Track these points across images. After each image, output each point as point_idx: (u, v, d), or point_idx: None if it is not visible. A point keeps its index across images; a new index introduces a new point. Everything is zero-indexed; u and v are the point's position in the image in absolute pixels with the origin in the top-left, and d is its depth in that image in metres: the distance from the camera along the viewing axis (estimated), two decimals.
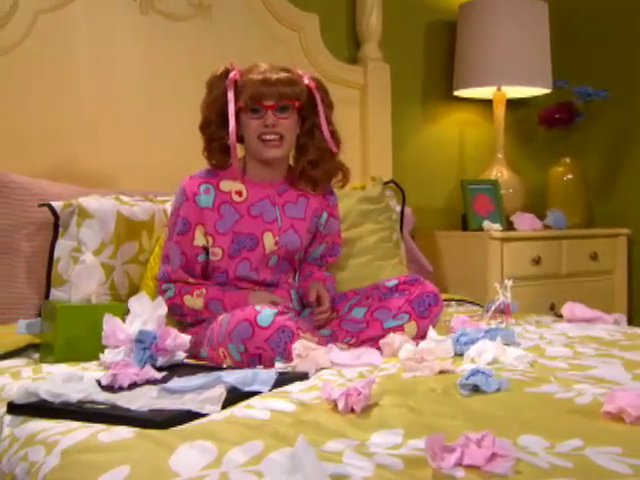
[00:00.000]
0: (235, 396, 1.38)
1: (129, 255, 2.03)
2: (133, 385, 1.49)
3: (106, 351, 1.64)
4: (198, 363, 1.70)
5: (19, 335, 1.82)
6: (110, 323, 1.66)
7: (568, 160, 3.17)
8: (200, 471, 1.01)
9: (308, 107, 1.95)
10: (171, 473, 1.02)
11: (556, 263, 2.93)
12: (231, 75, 1.88)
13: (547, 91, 3.10)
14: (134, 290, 2.02)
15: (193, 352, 1.84)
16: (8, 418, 1.36)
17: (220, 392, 1.35)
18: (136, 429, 1.20)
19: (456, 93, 3.09)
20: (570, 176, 3.16)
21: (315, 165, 1.97)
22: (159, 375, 1.53)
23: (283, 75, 1.87)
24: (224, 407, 1.32)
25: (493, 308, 2.08)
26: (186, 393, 1.39)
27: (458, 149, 3.24)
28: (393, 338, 1.76)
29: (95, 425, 1.24)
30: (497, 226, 2.84)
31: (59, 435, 1.21)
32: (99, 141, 2.38)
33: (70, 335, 1.72)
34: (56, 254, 1.97)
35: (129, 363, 1.57)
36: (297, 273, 2.04)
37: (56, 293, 1.97)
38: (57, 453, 1.15)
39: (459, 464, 0.98)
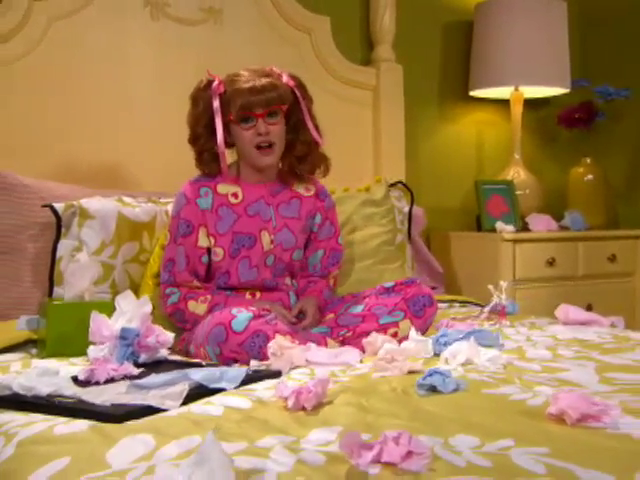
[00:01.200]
0: (200, 393, 1.42)
1: (130, 255, 2.09)
2: (110, 380, 1.55)
3: (91, 347, 1.70)
4: (179, 360, 1.75)
5: (19, 331, 1.90)
6: (96, 320, 1.72)
7: (589, 160, 3.12)
8: (131, 463, 1.05)
9: (290, 105, 1.98)
10: (105, 465, 1.06)
11: (572, 265, 2.89)
12: (214, 86, 1.93)
13: (566, 91, 3.06)
14: (135, 289, 2.07)
15: (185, 349, 1.90)
16: None
17: (182, 389, 1.39)
18: (93, 422, 1.25)
19: (472, 93, 3.07)
20: (590, 177, 3.12)
21: (302, 160, 2.02)
22: (136, 371, 1.58)
23: (267, 81, 1.92)
24: (187, 403, 1.36)
25: (487, 310, 2.08)
26: (152, 389, 1.44)
27: (475, 149, 3.22)
28: (376, 337, 1.77)
29: (57, 418, 1.29)
30: (510, 227, 2.81)
31: (19, 427, 1.26)
32: (110, 143, 2.46)
33: (61, 331, 1.78)
34: (58, 253, 2.04)
35: (108, 359, 1.63)
36: (296, 277, 2.08)
37: (58, 291, 2.04)
38: (14, 444, 1.21)
39: (377, 461, 1.00)
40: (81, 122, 2.42)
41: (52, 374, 1.49)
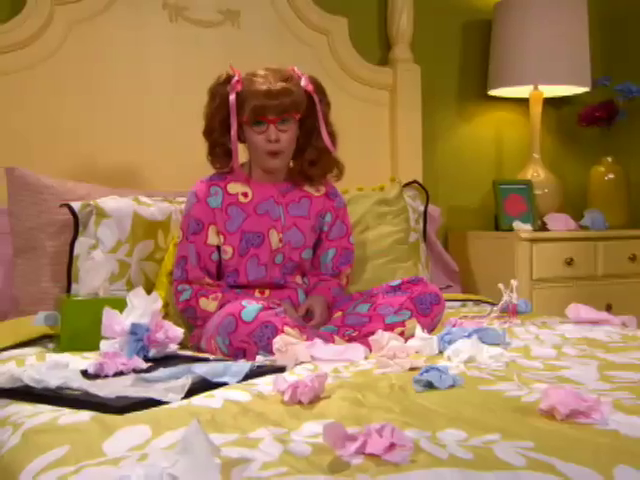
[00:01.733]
0: (203, 386, 1.46)
1: (145, 253, 2.14)
2: (119, 374, 1.59)
3: (102, 342, 1.74)
4: (188, 355, 1.78)
5: (37, 326, 1.95)
6: (108, 316, 1.76)
7: (609, 159, 3.11)
8: (125, 452, 1.09)
9: (307, 107, 2.01)
10: (100, 453, 1.09)
11: (591, 265, 2.88)
12: (233, 82, 1.96)
13: (586, 89, 3.05)
14: (150, 286, 2.13)
15: (196, 345, 1.94)
16: None
17: (184, 382, 1.43)
18: (96, 413, 1.29)
19: (491, 92, 3.07)
20: (611, 176, 3.10)
21: (313, 164, 2.05)
22: (145, 365, 1.63)
23: (282, 86, 1.93)
24: (189, 396, 1.40)
25: (497, 308, 2.08)
26: (157, 382, 1.48)
27: (495, 149, 3.22)
28: (382, 335, 1.79)
29: (63, 409, 1.33)
30: (528, 226, 2.81)
31: (26, 417, 1.31)
32: (129, 144, 2.51)
33: (75, 326, 1.83)
34: (76, 251, 2.09)
35: (118, 353, 1.67)
36: (307, 276, 2.10)
37: (75, 288, 2.09)
38: (19, 434, 1.25)
39: (361, 452, 1.03)
40: (100, 123, 2.48)
41: (62, 367, 1.54)
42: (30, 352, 1.84)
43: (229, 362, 1.57)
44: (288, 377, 1.43)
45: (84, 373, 1.56)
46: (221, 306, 1.93)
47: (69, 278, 2.10)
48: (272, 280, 2.02)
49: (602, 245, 2.90)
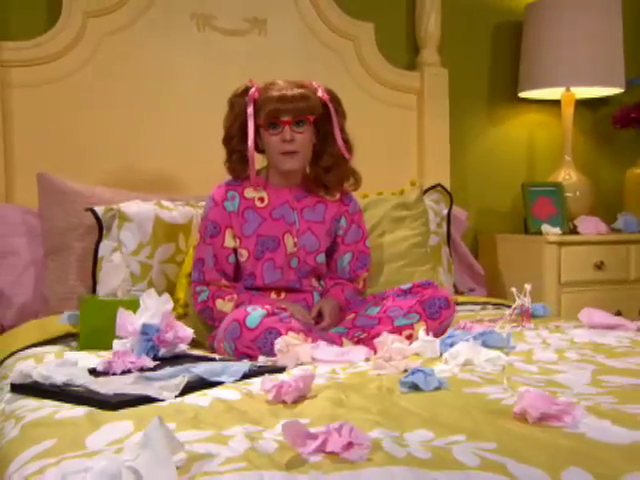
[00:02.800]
0: (200, 385, 1.51)
1: (166, 255, 2.21)
2: (127, 372, 1.66)
3: (115, 341, 1.81)
4: (196, 354, 1.84)
5: (61, 325, 2.04)
6: (122, 316, 1.83)
7: None
8: (104, 445, 1.15)
9: (323, 117, 2.06)
10: (82, 446, 1.15)
11: (622, 268, 2.84)
12: (251, 92, 2.02)
13: (620, 90, 3.00)
14: (171, 287, 2.20)
15: (211, 345, 2.00)
16: (8, 396, 1.55)
17: (180, 381, 1.48)
18: (91, 409, 1.36)
19: (521, 94, 3.06)
20: None
21: (328, 171, 2.09)
22: (152, 364, 1.69)
23: (298, 91, 2.00)
24: (185, 394, 1.45)
25: (509, 312, 2.08)
26: (157, 381, 1.54)
27: (527, 151, 3.20)
28: (386, 337, 1.82)
29: (65, 405, 1.40)
30: (556, 230, 2.79)
31: (28, 411, 1.38)
32: (159, 151, 2.59)
33: (93, 326, 1.91)
34: (100, 253, 2.18)
35: (128, 352, 1.74)
36: (324, 279, 2.14)
37: (99, 288, 2.18)
38: (19, 426, 1.32)
39: (321, 451, 1.06)
40: (131, 131, 2.57)
41: (70, 365, 1.61)
42: (52, 350, 1.92)
43: (229, 362, 1.62)
44: (285, 377, 1.47)
45: (92, 371, 1.64)
46: (236, 307, 1.99)
47: (94, 279, 2.19)
48: (287, 283, 2.06)
49: (635, 248, 2.85)
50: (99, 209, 2.18)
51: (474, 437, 1.13)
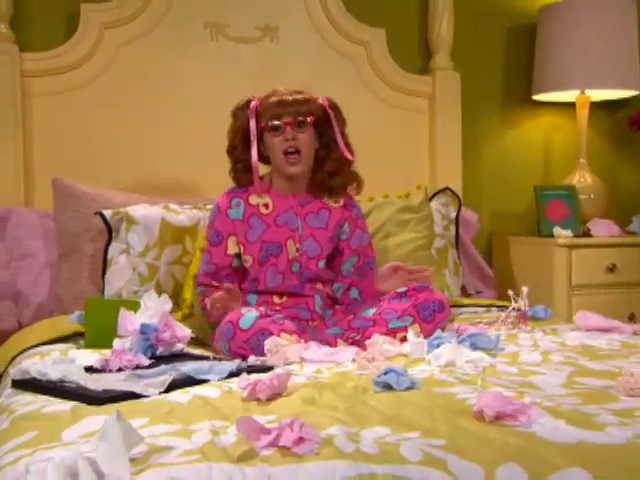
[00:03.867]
0: (187, 382, 1.57)
1: (173, 257, 2.28)
2: (123, 369, 1.74)
3: (115, 340, 1.89)
4: (191, 353, 1.89)
5: (70, 324, 2.13)
6: (123, 316, 1.91)
7: None
8: (77, 438, 1.21)
9: (324, 124, 2.11)
10: (58, 439, 1.22)
11: (636, 271, 2.83)
12: (252, 104, 2.08)
13: (636, 92, 2.99)
14: (179, 288, 2.28)
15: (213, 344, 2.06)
16: (9, 391, 1.64)
17: (164, 378, 1.55)
18: (78, 404, 1.43)
19: (536, 97, 3.06)
20: None
21: (332, 175, 2.13)
22: (147, 362, 1.76)
23: (298, 95, 2.06)
24: (171, 391, 1.51)
25: (504, 315, 2.10)
26: (146, 378, 1.60)
27: (543, 154, 3.20)
28: (377, 338, 1.87)
29: (56, 399, 1.47)
30: (568, 232, 2.79)
31: (20, 405, 1.46)
32: (173, 156, 2.67)
33: (98, 325, 1.98)
34: (109, 255, 2.27)
35: (125, 351, 1.81)
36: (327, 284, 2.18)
37: None
38: (10, 419, 1.40)
39: (275, 445, 1.11)
40: (145, 138, 2.65)
41: (67, 362, 1.70)
42: (59, 348, 2.00)
43: (220, 361, 1.69)
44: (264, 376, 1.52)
45: (90, 368, 1.71)
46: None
47: (104, 280, 2.27)
48: (288, 288, 2.11)
49: None
50: (107, 213, 2.26)
51: (428, 434, 1.17)
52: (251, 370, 1.67)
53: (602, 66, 2.93)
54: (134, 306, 1.94)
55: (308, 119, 2.06)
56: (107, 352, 1.92)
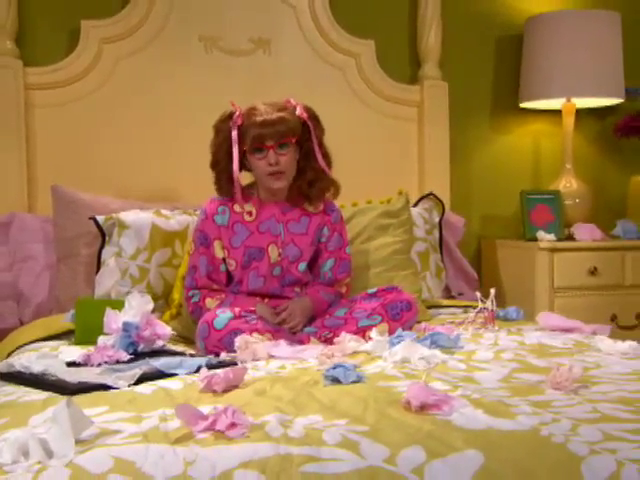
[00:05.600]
0: (157, 376, 1.70)
1: (163, 260, 2.41)
2: (104, 364, 1.87)
3: (100, 337, 2.02)
4: (170, 349, 2.00)
5: (64, 323, 2.27)
6: (108, 315, 2.04)
7: None
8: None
9: (303, 133, 2.21)
10: (25, 423, 1.35)
11: (618, 274, 2.90)
12: (234, 117, 2.17)
13: (620, 100, 3.06)
14: (169, 289, 2.40)
15: None
16: None
17: (135, 372, 1.68)
18: (52, 394, 1.56)
19: (523, 105, 3.14)
20: None
21: (311, 184, 2.24)
22: (126, 358, 1.89)
23: (278, 116, 2.13)
24: (140, 383, 1.64)
25: (472, 315, 2.20)
26: (120, 372, 1.73)
27: (531, 160, 3.29)
28: (344, 337, 1.98)
29: (35, 390, 1.61)
30: (551, 236, 2.88)
31: (3, 396, 1.59)
32: (170, 165, 2.80)
33: (86, 324, 2.12)
34: (103, 258, 2.40)
35: (107, 347, 1.95)
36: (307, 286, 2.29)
37: None
38: None
39: (212, 429, 1.23)
40: (144, 148, 2.79)
41: (50, 357, 1.84)
42: (51, 344, 2.14)
43: (193, 357, 1.82)
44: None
45: (70, 363, 1.84)
46: (219, 305, 2.16)
47: None
48: (269, 290, 2.23)
49: (630, 255, 2.91)
50: (100, 218, 2.40)
51: (355, 421, 1.28)
52: (218, 365, 1.80)
53: (587, 75, 3.01)
54: (119, 306, 2.07)
55: (290, 141, 2.15)
56: (93, 348, 2.07)
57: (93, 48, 2.73)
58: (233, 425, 1.23)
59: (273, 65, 2.91)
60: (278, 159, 2.14)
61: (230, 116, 2.20)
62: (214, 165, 2.23)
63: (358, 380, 1.56)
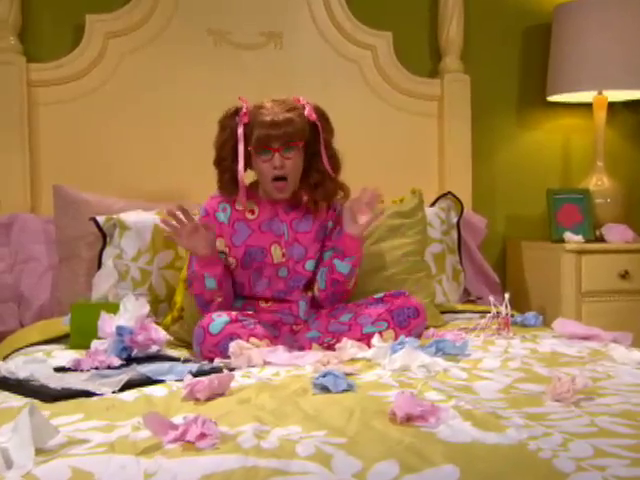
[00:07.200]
0: (144, 382, 1.61)
1: (165, 262, 2.33)
2: (95, 369, 1.79)
3: (94, 341, 1.95)
4: (165, 355, 1.92)
5: (63, 326, 2.20)
6: (103, 318, 1.97)
7: None
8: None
9: (311, 133, 2.10)
10: None
11: None
12: (241, 114, 2.08)
13: None
14: (171, 292, 2.32)
15: None
16: None
17: (120, 378, 1.60)
18: (32, 400, 1.48)
19: (550, 99, 3.00)
20: None
21: (316, 187, 2.13)
22: (118, 363, 1.81)
23: (285, 117, 2.03)
24: (127, 389, 1.56)
25: (484, 321, 2.08)
26: (108, 377, 1.66)
27: (560, 156, 3.14)
28: (346, 343, 1.88)
29: (17, 396, 1.53)
30: (579, 237, 2.73)
31: None
32: (177, 163, 2.71)
33: (81, 327, 2.05)
34: (104, 259, 2.34)
35: (100, 351, 1.87)
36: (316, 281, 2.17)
37: None
38: None
39: (181, 440, 1.15)
40: (150, 145, 2.70)
41: (37, 362, 1.77)
42: (47, 348, 2.06)
43: (176, 363, 1.73)
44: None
45: (59, 368, 1.77)
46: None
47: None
48: (273, 293, 2.13)
49: None
50: (100, 218, 2.33)
51: (335, 433, 1.19)
52: (210, 372, 1.71)
53: (620, 66, 2.84)
54: (115, 309, 2.00)
55: (297, 145, 2.05)
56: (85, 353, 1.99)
57: (98, 43, 2.66)
58: (203, 436, 1.14)
59: (285, 59, 2.81)
60: (283, 162, 2.04)
61: (236, 112, 2.11)
62: (218, 162, 2.14)
63: (348, 389, 1.46)
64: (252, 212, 2.15)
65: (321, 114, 2.13)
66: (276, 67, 2.79)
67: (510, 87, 3.09)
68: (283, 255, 2.12)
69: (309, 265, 2.15)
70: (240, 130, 2.07)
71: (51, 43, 2.68)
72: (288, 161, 2.05)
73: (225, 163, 2.12)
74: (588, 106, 3.03)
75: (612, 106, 3.02)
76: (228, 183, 2.12)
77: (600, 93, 2.93)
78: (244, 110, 2.09)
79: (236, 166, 2.08)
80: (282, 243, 2.12)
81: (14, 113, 2.56)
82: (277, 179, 2.06)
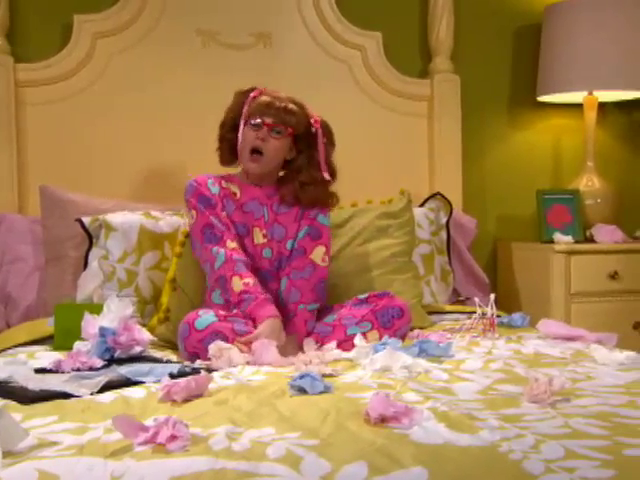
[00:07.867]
0: (124, 383, 1.61)
1: (151, 263, 2.32)
2: (77, 370, 1.79)
3: (76, 342, 1.94)
4: (148, 355, 1.91)
5: (48, 327, 2.19)
6: (86, 319, 1.96)
7: None
8: None
9: (309, 140, 2.14)
10: None
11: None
12: (252, 93, 2.15)
13: None
14: (157, 293, 2.31)
15: None
16: None
17: (99, 380, 1.59)
18: (9, 402, 1.48)
19: (540, 99, 2.99)
20: None
21: (303, 186, 2.14)
22: (100, 364, 1.80)
23: (288, 106, 2.11)
24: (105, 391, 1.55)
25: (469, 322, 2.07)
26: (87, 379, 1.65)
27: (550, 157, 3.13)
28: (331, 344, 1.88)
29: None
30: (568, 238, 2.72)
31: None
32: (166, 163, 2.70)
33: (65, 328, 2.04)
34: (90, 260, 2.33)
35: (82, 352, 1.86)
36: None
37: None
38: None
39: (152, 442, 1.14)
40: (139, 145, 2.69)
41: (17, 364, 1.76)
42: (31, 350, 2.05)
43: (158, 364, 1.72)
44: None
45: (40, 369, 1.76)
46: (239, 301, 1.99)
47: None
48: (258, 271, 2.10)
49: None
50: (86, 219, 2.32)
51: (308, 434, 1.18)
52: (191, 373, 1.70)
53: (611, 66, 2.83)
54: (99, 310, 2.00)
55: (286, 130, 2.10)
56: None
57: (86, 43, 2.64)
58: (173, 437, 1.13)
59: (274, 60, 2.80)
60: (268, 139, 2.09)
61: (251, 90, 2.19)
62: (221, 126, 2.22)
63: (325, 390, 1.46)
64: (235, 194, 2.17)
65: (326, 126, 2.18)
66: (265, 67, 2.78)
67: (500, 87, 3.08)
68: (264, 236, 2.13)
69: (289, 245, 2.15)
70: (245, 108, 2.13)
71: (39, 43, 2.66)
72: (272, 140, 2.10)
73: (224, 129, 2.21)
74: (578, 106, 3.02)
75: (602, 106, 3.01)
76: (225, 151, 2.21)
77: (590, 93, 2.92)
78: (258, 89, 2.17)
79: (232, 134, 2.16)
80: (262, 225, 2.14)
81: (1, 113, 2.55)
82: (254, 151, 2.10)
